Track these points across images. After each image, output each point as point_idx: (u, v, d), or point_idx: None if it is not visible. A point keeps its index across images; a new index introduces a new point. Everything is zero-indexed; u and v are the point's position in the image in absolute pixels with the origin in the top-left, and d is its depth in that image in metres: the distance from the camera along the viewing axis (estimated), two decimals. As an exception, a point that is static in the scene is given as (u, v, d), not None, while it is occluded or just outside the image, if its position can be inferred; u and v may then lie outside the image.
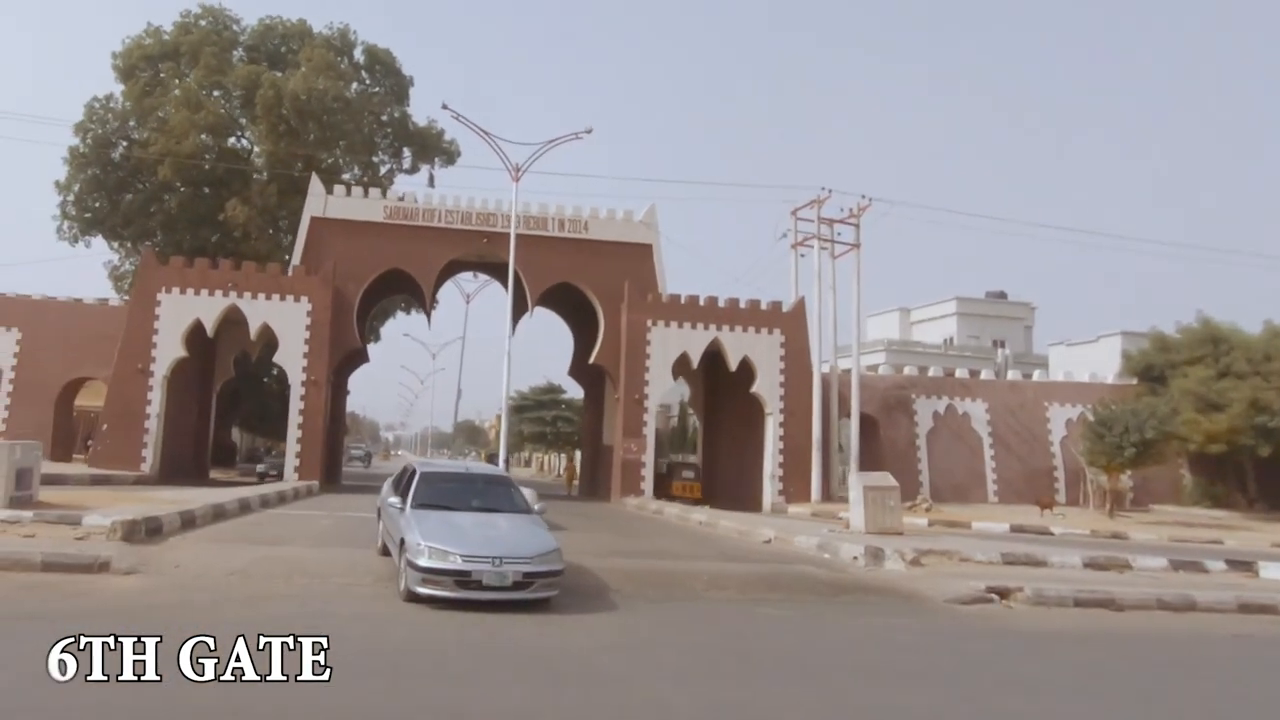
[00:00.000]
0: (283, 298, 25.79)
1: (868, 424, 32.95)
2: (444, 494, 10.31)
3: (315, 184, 27.60)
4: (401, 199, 28.65)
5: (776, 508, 28.94)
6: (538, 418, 57.41)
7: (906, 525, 21.60)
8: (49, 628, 7.13)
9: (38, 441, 13.58)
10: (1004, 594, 11.61)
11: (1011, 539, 20.26)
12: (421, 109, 38.17)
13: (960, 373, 37.12)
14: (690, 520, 21.44)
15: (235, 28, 34.84)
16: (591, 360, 30.23)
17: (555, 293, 31.51)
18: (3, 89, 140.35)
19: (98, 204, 31.01)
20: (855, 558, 14.10)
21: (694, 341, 29.86)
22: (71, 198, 30.84)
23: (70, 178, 30.74)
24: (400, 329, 76.13)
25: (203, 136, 30.71)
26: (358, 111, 35.06)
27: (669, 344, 29.58)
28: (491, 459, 28.86)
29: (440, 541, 8.76)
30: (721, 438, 34.17)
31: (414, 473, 10.87)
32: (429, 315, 34.19)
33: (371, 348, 35.07)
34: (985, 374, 37.90)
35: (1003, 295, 58.87)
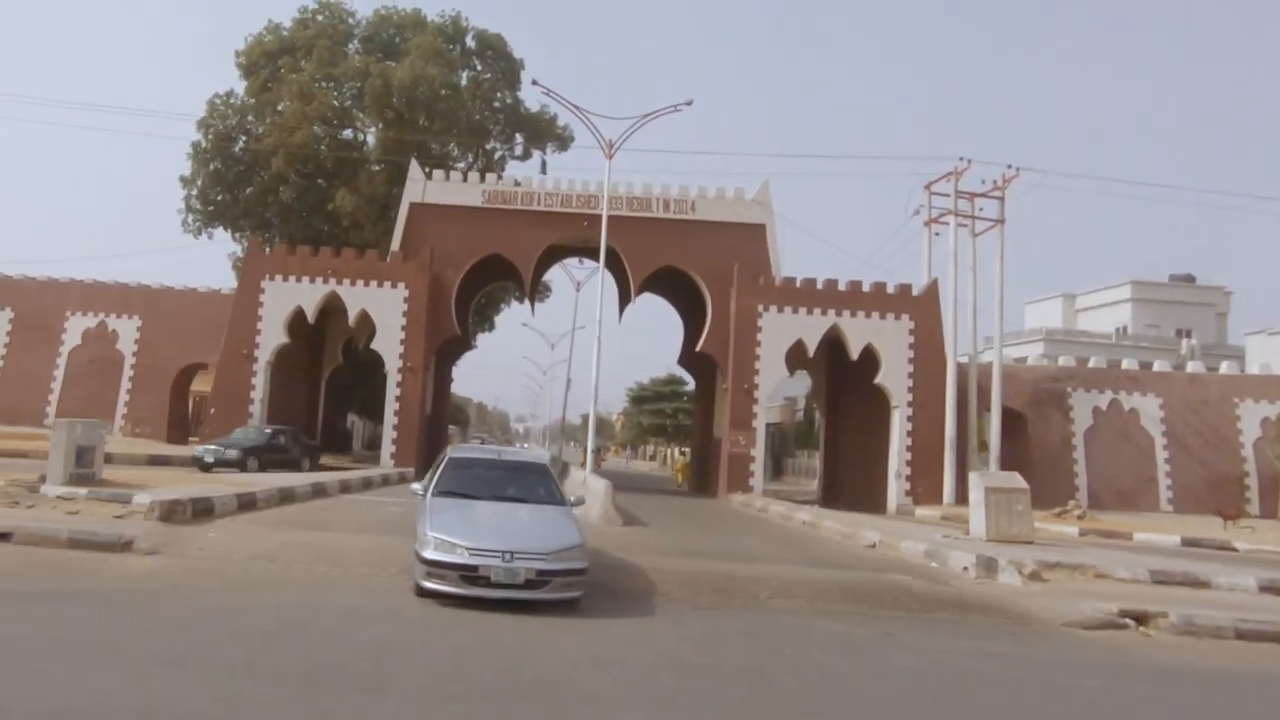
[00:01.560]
0: (380, 284, 26.46)
1: (1013, 420, 30.35)
2: (468, 481, 9.73)
3: (414, 170, 28.13)
4: (500, 182, 28.74)
5: (903, 510, 27.11)
6: (658, 409, 56.94)
7: (1053, 534, 19.48)
8: (11, 606, 7.04)
9: (102, 420, 14.26)
10: (1142, 619, 9.78)
11: (1177, 555, 17.61)
12: (533, 93, 38.15)
13: (1128, 363, 33.44)
14: (794, 519, 20.29)
15: (350, 20, 36.28)
16: (698, 348, 29.31)
17: (664, 277, 30.78)
18: (141, 89, 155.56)
19: (220, 197, 33.16)
20: (965, 568, 12.58)
21: (810, 328, 28.38)
22: (195, 191, 33.14)
23: (194, 172, 33.05)
24: (518, 318, 77.45)
25: (315, 128, 32.10)
26: (467, 98, 35.64)
27: (782, 331, 28.24)
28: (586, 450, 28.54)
29: (447, 533, 8.19)
30: (845, 433, 32.41)
31: (443, 459, 10.42)
32: (532, 302, 34.31)
33: (494, 337, 35.66)
34: (1159, 366, 33.87)
35: (1190, 278, 53.04)
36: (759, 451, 27.84)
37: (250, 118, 33.49)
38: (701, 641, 7.57)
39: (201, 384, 29.70)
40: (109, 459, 19.94)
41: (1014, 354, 41.02)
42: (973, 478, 17.06)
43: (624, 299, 32.75)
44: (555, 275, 46.46)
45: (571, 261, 35.73)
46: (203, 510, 11.79)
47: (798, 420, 49.30)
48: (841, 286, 28.93)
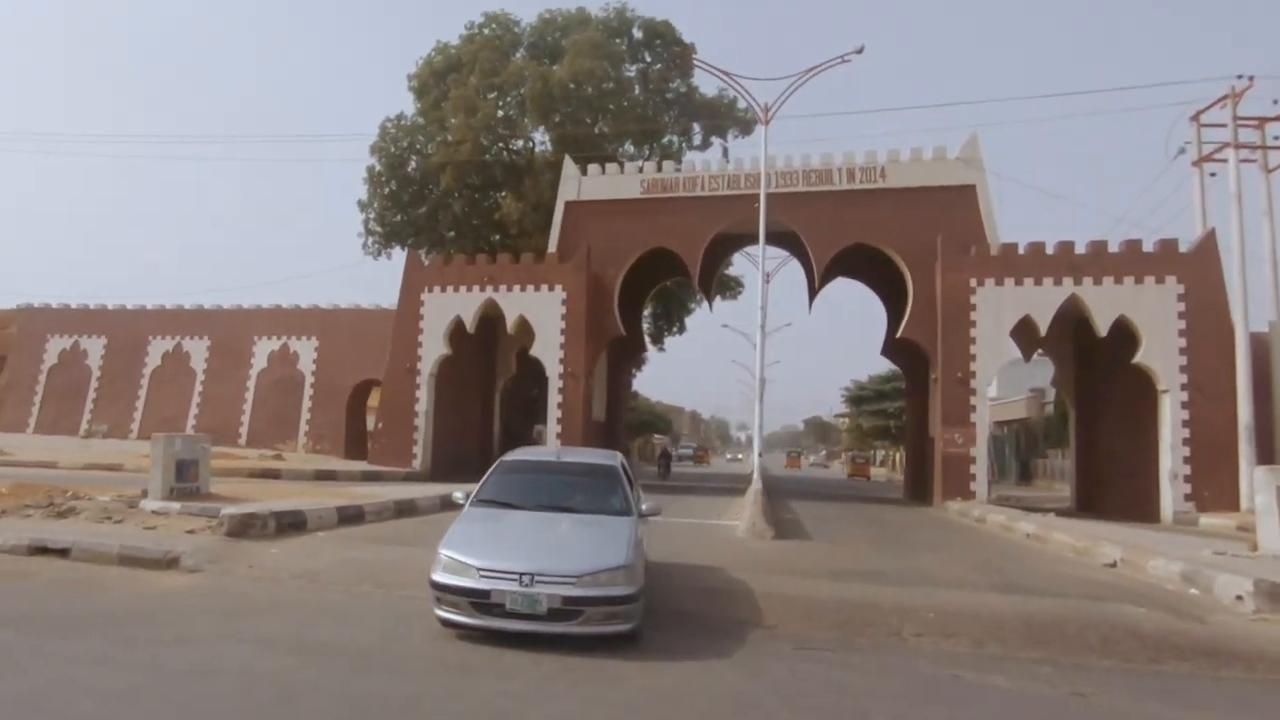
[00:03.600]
0: (536, 288, 26.10)
1: (1340, 399, 24.18)
2: (515, 488, 8.39)
3: (568, 166, 27.66)
4: (659, 171, 27.56)
5: (1182, 519, 22.38)
6: (878, 410, 52.91)
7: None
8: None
9: (205, 435, 14.57)
10: None
11: None
12: (710, 79, 36.68)
13: None
14: (1015, 531, 17.09)
15: (516, 30, 36.96)
16: (899, 334, 26.21)
17: (856, 258, 28.00)
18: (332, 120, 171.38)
19: (397, 218, 34.92)
20: (1238, 598, 9.34)
21: (1039, 301, 24.38)
22: (373, 215, 35.13)
23: (370, 195, 35.06)
24: (718, 319, 75.71)
25: (481, 139, 32.82)
26: (637, 91, 34.97)
27: (1003, 307, 24.49)
28: (792, 455, 26.38)
29: (460, 550, 6.89)
30: (1101, 427, 27.65)
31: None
32: (709, 297, 32.64)
33: (699, 341, 34.64)
34: None
35: None
36: (980, 451, 24.22)
37: (420, 137, 35.01)
38: (756, 701, 5.55)
39: (377, 399, 31.33)
40: (277, 474, 21.14)
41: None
42: (1259, 475, 13.11)
43: (812, 286, 30.28)
44: (747, 270, 44.41)
45: (755, 250, 33.75)
46: (291, 525, 11.41)
47: (1047, 415, 43.57)
48: (1080, 249, 24.62)
